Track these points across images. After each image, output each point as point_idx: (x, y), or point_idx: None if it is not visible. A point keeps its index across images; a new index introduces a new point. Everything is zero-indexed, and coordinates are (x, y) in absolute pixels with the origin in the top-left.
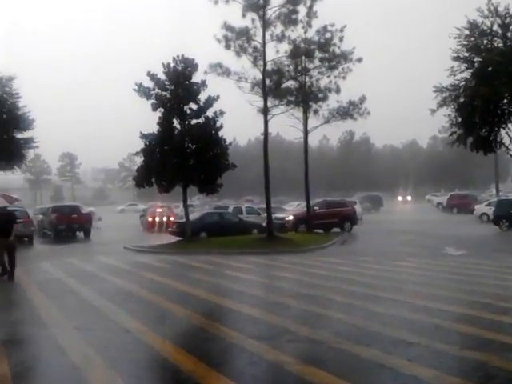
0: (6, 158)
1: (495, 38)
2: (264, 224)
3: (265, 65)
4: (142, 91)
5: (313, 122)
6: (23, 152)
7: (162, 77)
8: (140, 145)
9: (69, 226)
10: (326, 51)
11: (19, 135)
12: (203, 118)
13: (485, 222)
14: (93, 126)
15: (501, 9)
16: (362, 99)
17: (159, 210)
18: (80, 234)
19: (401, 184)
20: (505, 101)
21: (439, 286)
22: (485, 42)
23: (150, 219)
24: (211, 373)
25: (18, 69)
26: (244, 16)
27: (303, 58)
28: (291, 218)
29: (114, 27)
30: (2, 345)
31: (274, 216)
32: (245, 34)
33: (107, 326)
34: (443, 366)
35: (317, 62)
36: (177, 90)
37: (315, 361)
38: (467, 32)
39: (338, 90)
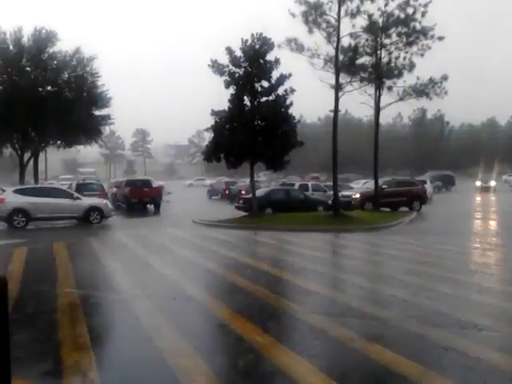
0: (85, 134)
1: None
2: (330, 201)
3: (338, 40)
4: (217, 67)
5: (385, 99)
6: (100, 128)
7: (238, 53)
8: (210, 122)
9: (141, 199)
10: (406, 26)
11: (97, 112)
12: (274, 96)
13: None
14: (165, 103)
15: None
16: (444, 78)
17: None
18: (151, 207)
19: (478, 164)
20: None
21: (511, 269)
22: None
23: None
24: (275, 344)
25: (98, 46)
26: None
27: (380, 33)
28: (358, 195)
29: (193, 5)
30: (82, 309)
31: (340, 193)
32: (319, 7)
33: (176, 294)
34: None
35: (394, 38)
36: (251, 67)
37: (380, 339)
38: None
39: (411, 67)
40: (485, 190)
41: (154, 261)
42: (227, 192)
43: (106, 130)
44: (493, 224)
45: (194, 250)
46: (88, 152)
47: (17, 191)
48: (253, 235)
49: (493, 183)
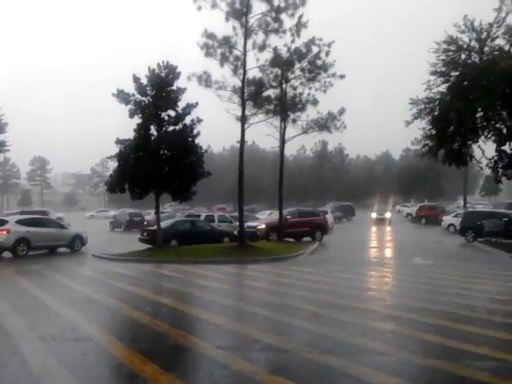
0: None
1: (472, 53)
2: (236, 232)
3: (245, 73)
4: (122, 97)
5: (290, 131)
6: None
7: (144, 82)
8: (114, 151)
9: None
10: (311, 63)
11: None
12: (180, 125)
13: (451, 233)
14: (66, 131)
15: (476, 24)
16: (341, 111)
17: None
18: None
19: (374, 195)
20: (478, 115)
21: (406, 295)
22: (462, 56)
23: None
24: (177, 383)
25: None
26: (227, 20)
27: (284, 67)
28: (263, 226)
29: (96, 32)
30: None
31: (245, 224)
32: (226, 42)
33: (72, 335)
34: (407, 375)
35: (297, 73)
36: (157, 96)
37: (283, 370)
38: (445, 46)
39: (314, 102)
40: (380, 221)
41: (48, 299)
42: (145, 223)
43: (0, 157)
44: (387, 252)
45: (93, 286)
46: None
47: (18, 222)
48: (156, 269)
49: (388, 215)
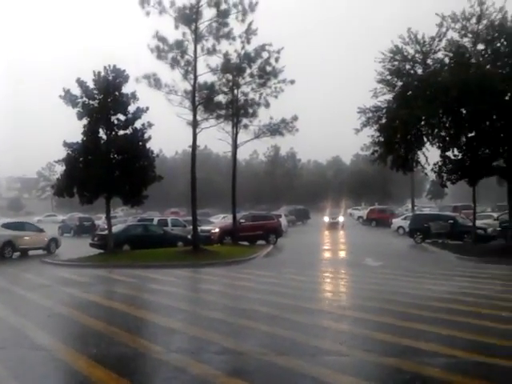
0: None
1: (416, 64)
2: (189, 236)
3: (195, 78)
4: (69, 98)
5: (242, 136)
6: None
7: (91, 85)
8: (62, 154)
9: None
10: (261, 69)
11: None
12: (131, 129)
13: (401, 235)
14: (10, 132)
15: (419, 36)
16: (294, 118)
17: None
18: None
19: (326, 199)
20: (422, 123)
21: (359, 295)
22: (407, 67)
23: None
24: None
25: None
26: (177, 28)
27: (234, 73)
28: (217, 230)
29: (39, 32)
30: None
31: (199, 228)
32: (177, 46)
33: (21, 343)
34: (363, 373)
35: (248, 78)
36: (105, 100)
37: (240, 373)
38: (391, 56)
39: (267, 105)
40: (333, 225)
41: None
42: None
43: None
44: (340, 254)
45: (42, 293)
46: None
47: (3, 226)
48: (108, 274)
49: (341, 219)
